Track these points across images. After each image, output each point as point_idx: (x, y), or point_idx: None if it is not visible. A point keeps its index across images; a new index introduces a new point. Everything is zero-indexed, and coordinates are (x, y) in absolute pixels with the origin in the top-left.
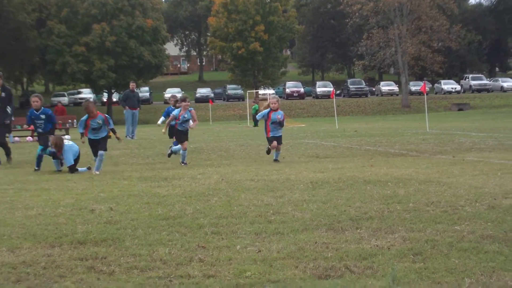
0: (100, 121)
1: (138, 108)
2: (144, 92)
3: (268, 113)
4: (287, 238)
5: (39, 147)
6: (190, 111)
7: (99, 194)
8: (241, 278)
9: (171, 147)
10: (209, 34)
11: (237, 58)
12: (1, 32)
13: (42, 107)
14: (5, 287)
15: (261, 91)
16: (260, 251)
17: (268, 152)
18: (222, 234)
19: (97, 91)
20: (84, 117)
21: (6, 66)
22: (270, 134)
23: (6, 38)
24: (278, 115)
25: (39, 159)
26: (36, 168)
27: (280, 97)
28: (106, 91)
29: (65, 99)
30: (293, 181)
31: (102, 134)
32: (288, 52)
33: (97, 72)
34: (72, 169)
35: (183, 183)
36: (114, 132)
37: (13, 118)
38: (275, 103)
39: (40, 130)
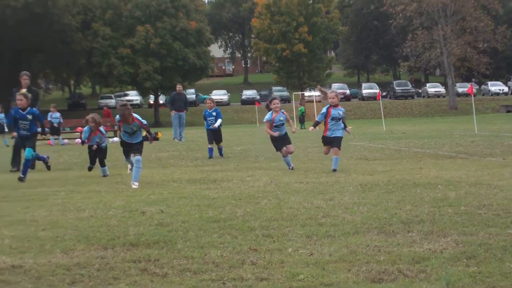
0: (135, 128)
1: (185, 111)
2: (190, 94)
3: (328, 108)
4: (338, 241)
5: (28, 150)
6: (283, 112)
7: (150, 196)
8: (294, 281)
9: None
10: (253, 36)
11: (282, 60)
12: (47, 34)
13: (29, 107)
14: None
15: (306, 93)
16: (312, 254)
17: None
18: (274, 236)
19: (143, 93)
20: (87, 128)
21: (53, 68)
22: (327, 133)
23: (52, 40)
24: (340, 111)
25: (28, 164)
26: (22, 176)
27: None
28: (152, 93)
29: (112, 101)
30: (343, 184)
31: (137, 139)
32: (333, 54)
33: (143, 74)
34: (102, 158)
35: (232, 186)
36: (149, 133)
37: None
38: (333, 98)
39: (24, 132)
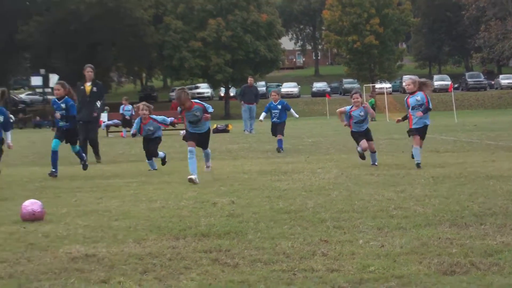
0: (198, 113)
1: (255, 103)
2: (260, 86)
3: (406, 99)
4: (409, 233)
5: (55, 141)
6: (364, 107)
7: (220, 188)
8: (364, 273)
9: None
10: (323, 28)
11: (353, 52)
12: (119, 28)
13: (66, 96)
14: (133, 278)
15: (377, 85)
16: (383, 246)
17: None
18: (344, 228)
19: (214, 86)
20: (138, 118)
21: (125, 61)
22: (413, 125)
23: (124, 34)
24: (418, 97)
25: (81, 154)
26: (53, 170)
27: (396, 90)
28: (223, 86)
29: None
30: (414, 176)
31: (204, 128)
32: (404, 46)
33: (214, 67)
34: (154, 150)
35: (303, 177)
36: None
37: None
38: (409, 85)
39: (62, 123)
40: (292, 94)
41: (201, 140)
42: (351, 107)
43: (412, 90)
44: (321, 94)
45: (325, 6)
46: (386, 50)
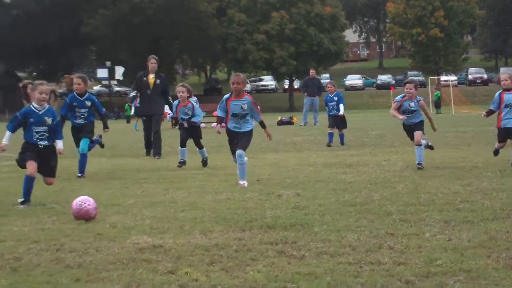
0: (246, 106)
1: (318, 96)
2: (324, 79)
3: (500, 94)
4: (477, 227)
5: (84, 141)
6: (418, 101)
7: (285, 180)
8: (432, 266)
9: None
10: (387, 20)
11: (417, 44)
12: (184, 21)
13: (87, 92)
14: (200, 269)
15: (443, 78)
16: (450, 239)
17: (496, 153)
18: (411, 221)
19: (278, 78)
20: (176, 102)
21: (190, 54)
22: (501, 124)
23: (188, 27)
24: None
25: (84, 160)
26: (79, 175)
27: (462, 83)
28: (287, 78)
29: (247, 87)
30: (481, 169)
31: (246, 127)
32: (469, 38)
33: (278, 60)
34: (197, 139)
35: (368, 170)
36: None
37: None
38: (506, 80)
39: (80, 121)
40: (356, 86)
41: (239, 139)
42: (403, 96)
43: (510, 86)
44: (385, 86)
45: None
46: (451, 42)
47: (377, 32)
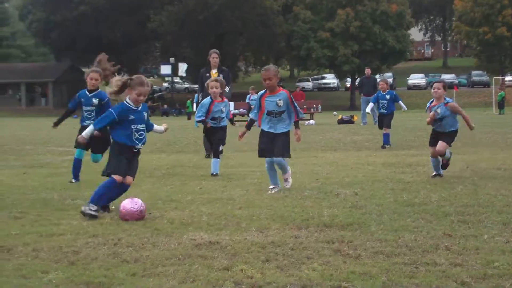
0: (281, 101)
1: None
2: (387, 77)
3: None
4: None
5: (94, 156)
6: (446, 104)
7: (344, 179)
8: (489, 268)
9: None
10: (454, 19)
11: (483, 43)
12: (249, 17)
13: (100, 90)
14: (255, 266)
15: (507, 78)
16: (508, 241)
17: None
18: (469, 223)
19: (340, 76)
20: (206, 100)
21: (253, 51)
22: None
23: (253, 23)
24: None
25: (77, 166)
26: (73, 181)
27: None
28: (349, 76)
29: (309, 84)
30: None
31: (283, 127)
32: None
33: (341, 58)
34: (218, 143)
35: (427, 170)
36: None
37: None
38: None
39: (88, 123)
40: (419, 85)
41: (275, 146)
42: (431, 101)
43: None
44: (449, 86)
45: None
46: None
47: (443, 31)
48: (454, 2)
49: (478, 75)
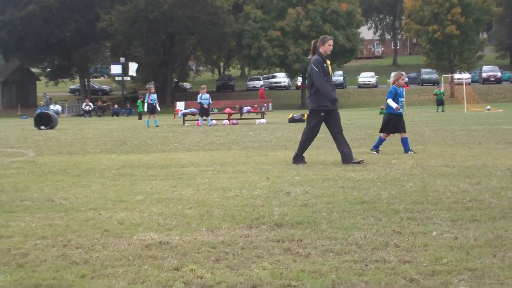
0: None
1: None
2: (337, 76)
3: None
4: (484, 225)
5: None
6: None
7: (294, 177)
8: (437, 264)
9: None
10: (403, 17)
11: (433, 42)
12: (200, 17)
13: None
14: (205, 265)
15: (456, 76)
16: (456, 238)
17: None
18: (418, 220)
19: (291, 75)
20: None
21: (204, 50)
22: None
23: (204, 23)
24: None
25: None
26: None
27: (475, 81)
28: (300, 75)
29: (259, 83)
30: (490, 168)
31: None
32: (485, 35)
33: (292, 57)
34: None
35: (377, 168)
36: None
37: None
38: None
39: None
40: (369, 84)
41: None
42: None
43: None
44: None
45: None
46: (467, 40)
47: (393, 29)
48: (404, 1)
49: (427, 73)
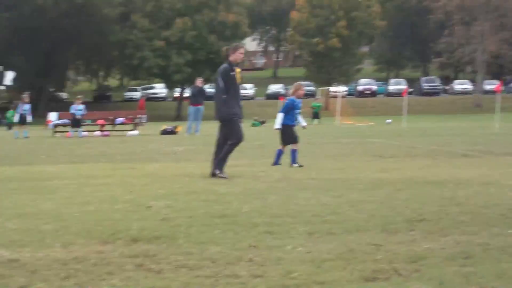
0: None
1: (202, 104)
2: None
3: None
4: (339, 238)
5: None
6: None
7: (158, 191)
8: (287, 279)
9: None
10: (288, 29)
11: (314, 54)
12: (86, 26)
13: None
14: (54, 283)
15: (331, 88)
16: (310, 251)
17: None
18: (275, 233)
19: (171, 86)
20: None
21: (85, 60)
22: None
23: (89, 32)
24: None
25: None
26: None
27: (351, 94)
28: (179, 86)
29: (137, 94)
30: (353, 181)
31: None
32: (366, 49)
33: (173, 67)
34: None
35: (243, 181)
36: None
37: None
38: None
39: None
40: (247, 95)
41: None
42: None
43: None
44: (275, 96)
45: (295, 7)
46: (348, 53)
47: (277, 41)
48: (291, 12)
49: (305, 86)
